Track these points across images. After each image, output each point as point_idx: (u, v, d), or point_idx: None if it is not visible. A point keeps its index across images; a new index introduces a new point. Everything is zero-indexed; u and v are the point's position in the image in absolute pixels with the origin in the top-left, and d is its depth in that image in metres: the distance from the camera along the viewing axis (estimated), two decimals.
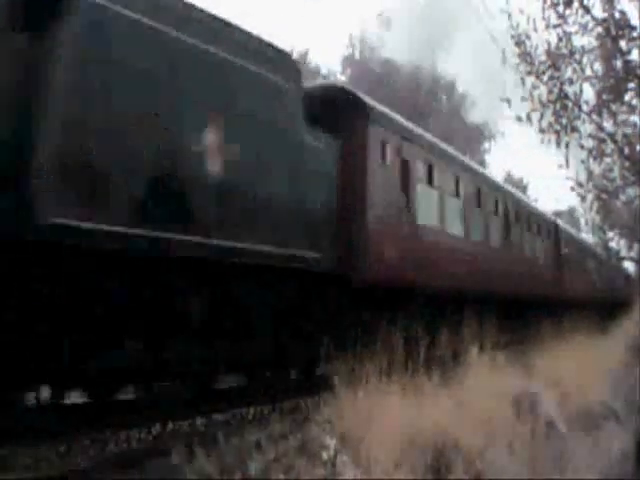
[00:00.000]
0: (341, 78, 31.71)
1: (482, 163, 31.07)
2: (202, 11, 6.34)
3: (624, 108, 12.85)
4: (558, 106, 12.07)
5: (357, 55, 34.85)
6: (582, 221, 30.01)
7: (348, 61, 34.54)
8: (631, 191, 16.84)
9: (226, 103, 6.35)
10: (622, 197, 17.28)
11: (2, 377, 5.03)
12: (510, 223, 16.27)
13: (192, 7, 6.22)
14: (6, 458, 5.67)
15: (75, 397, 8.27)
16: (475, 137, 36.80)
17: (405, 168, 10.03)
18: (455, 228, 12.36)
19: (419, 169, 10.97)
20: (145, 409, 7.76)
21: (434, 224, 11.22)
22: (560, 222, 22.51)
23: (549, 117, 12.06)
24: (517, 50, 12.22)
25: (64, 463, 5.74)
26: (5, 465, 5.51)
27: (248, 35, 6.97)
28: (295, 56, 10.26)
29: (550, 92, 12.12)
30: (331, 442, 4.59)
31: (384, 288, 8.94)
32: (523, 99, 12.23)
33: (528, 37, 12.18)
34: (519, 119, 12.77)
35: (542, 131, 12.34)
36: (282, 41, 9.85)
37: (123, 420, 7.22)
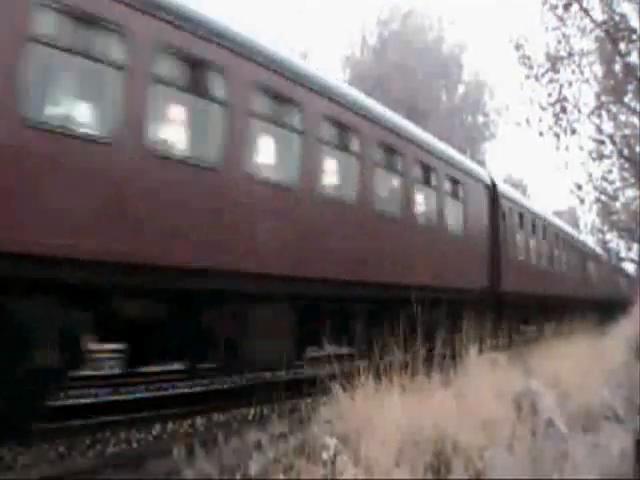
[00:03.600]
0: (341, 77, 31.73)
1: (482, 163, 31.09)
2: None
3: (624, 110, 12.88)
4: (557, 108, 12.10)
5: (357, 55, 34.93)
6: (582, 222, 29.98)
7: (349, 62, 34.60)
8: (630, 192, 16.87)
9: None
10: (622, 198, 17.31)
11: None
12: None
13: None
14: (6, 458, 5.69)
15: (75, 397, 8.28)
16: (475, 137, 36.88)
17: None
18: None
19: None
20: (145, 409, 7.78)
21: None
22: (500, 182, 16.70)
23: (548, 120, 12.09)
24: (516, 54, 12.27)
25: (64, 463, 5.75)
26: (5, 465, 5.52)
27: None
28: (295, 56, 10.24)
29: (549, 95, 12.15)
30: (331, 442, 4.58)
31: None
32: (522, 103, 12.28)
33: (527, 40, 12.22)
34: (518, 124, 12.82)
35: (541, 134, 12.37)
36: (282, 41, 9.86)
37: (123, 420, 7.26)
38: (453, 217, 12.70)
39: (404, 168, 10.88)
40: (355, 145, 9.52)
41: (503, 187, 16.35)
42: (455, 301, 11.32)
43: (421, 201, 11.63)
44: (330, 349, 11.60)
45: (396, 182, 10.92)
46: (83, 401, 8.08)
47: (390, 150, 10.49)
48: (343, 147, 9.37)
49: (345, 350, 9.05)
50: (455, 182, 12.90)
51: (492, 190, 14.95)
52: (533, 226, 18.26)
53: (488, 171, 16.55)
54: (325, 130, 8.89)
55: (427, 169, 11.71)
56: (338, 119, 9.12)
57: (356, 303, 9.58)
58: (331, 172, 9.26)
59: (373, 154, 9.95)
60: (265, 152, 8.15)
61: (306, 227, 8.32)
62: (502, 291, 14.58)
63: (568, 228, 25.05)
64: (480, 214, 14.12)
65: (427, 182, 11.76)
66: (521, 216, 17.06)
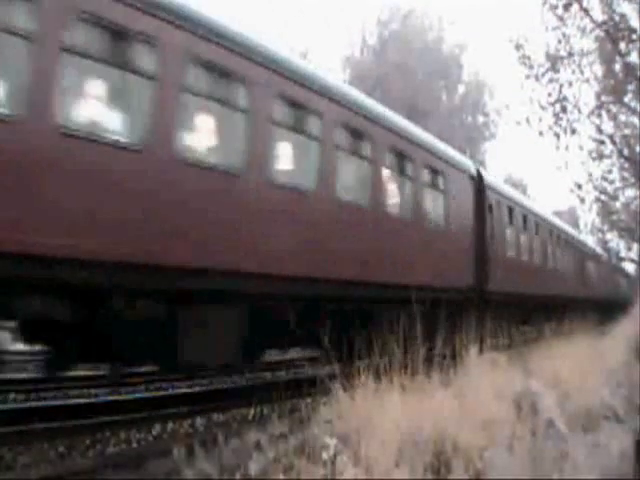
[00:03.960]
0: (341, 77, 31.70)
1: (482, 163, 31.09)
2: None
3: (624, 110, 12.88)
4: (557, 108, 12.09)
5: (357, 55, 34.93)
6: (582, 222, 30.03)
7: (349, 62, 34.60)
8: (630, 192, 16.86)
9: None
10: (622, 198, 17.29)
11: None
12: None
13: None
14: (6, 458, 5.69)
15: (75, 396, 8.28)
16: (475, 137, 36.87)
17: None
18: None
19: None
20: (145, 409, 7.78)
21: None
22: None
23: (548, 119, 12.08)
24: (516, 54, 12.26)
25: (64, 463, 5.75)
26: (5, 465, 5.53)
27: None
28: (295, 56, 10.23)
29: (549, 95, 12.14)
30: (331, 442, 4.58)
31: None
32: (522, 104, 12.27)
33: (527, 40, 12.22)
34: (518, 124, 12.81)
35: (541, 134, 12.36)
36: (282, 41, 9.83)
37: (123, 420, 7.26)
38: (432, 209, 11.61)
39: (373, 154, 9.58)
40: (315, 129, 8.53)
41: (490, 178, 15.18)
42: (435, 300, 9.83)
43: (394, 190, 10.42)
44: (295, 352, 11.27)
45: (363, 169, 9.62)
46: (83, 401, 8.08)
47: (355, 133, 9.30)
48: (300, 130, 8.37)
49: (313, 353, 8.77)
50: (435, 172, 11.77)
51: (478, 181, 13.77)
52: (524, 221, 17.17)
53: (472, 161, 15.27)
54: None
55: (401, 157, 10.60)
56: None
57: (321, 301, 8.64)
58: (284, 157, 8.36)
59: (335, 137, 8.86)
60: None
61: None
62: (489, 290, 13.64)
63: (563, 224, 24.60)
64: (464, 206, 12.92)
65: (401, 171, 10.64)
66: (511, 210, 15.89)
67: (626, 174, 14.80)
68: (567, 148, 12.38)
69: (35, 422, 6.54)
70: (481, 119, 37.96)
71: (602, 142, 13.30)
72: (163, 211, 6.30)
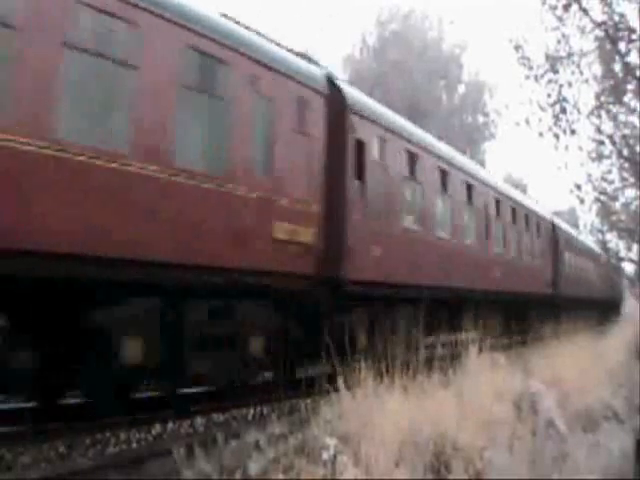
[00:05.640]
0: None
1: (482, 163, 31.06)
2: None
3: (623, 110, 12.85)
4: (557, 109, 12.06)
5: (357, 55, 34.91)
6: (581, 222, 30.21)
7: (349, 62, 34.58)
8: (630, 193, 16.82)
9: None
10: (621, 199, 17.25)
11: None
12: None
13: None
14: (6, 458, 5.68)
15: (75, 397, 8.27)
16: (475, 137, 36.85)
17: None
18: None
19: None
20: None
21: None
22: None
23: (548, 120, 12.05)
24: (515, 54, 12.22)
25: (64, 463, 5.74)
26: (5, 465, 5.52)
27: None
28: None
29: (549, 96, 12.11)
30: (331, 442, 4.58)
31: None
32: (522, 104, 12.23)
33: (526, 41, 12.18)
34: (518, 124, 12.78)
35: (541, 134, 12.33)
36: (282, 41, 9.86)
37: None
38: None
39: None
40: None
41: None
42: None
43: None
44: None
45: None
46: (83, 401, 8.06)
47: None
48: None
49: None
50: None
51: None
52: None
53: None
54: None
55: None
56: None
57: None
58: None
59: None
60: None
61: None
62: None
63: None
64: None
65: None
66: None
67: (626, 174, 14.78)
68: (567, 148, 12.36)
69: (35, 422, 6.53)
70: (481, 119, 37.94)
71: (601, 142, 13.27)
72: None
